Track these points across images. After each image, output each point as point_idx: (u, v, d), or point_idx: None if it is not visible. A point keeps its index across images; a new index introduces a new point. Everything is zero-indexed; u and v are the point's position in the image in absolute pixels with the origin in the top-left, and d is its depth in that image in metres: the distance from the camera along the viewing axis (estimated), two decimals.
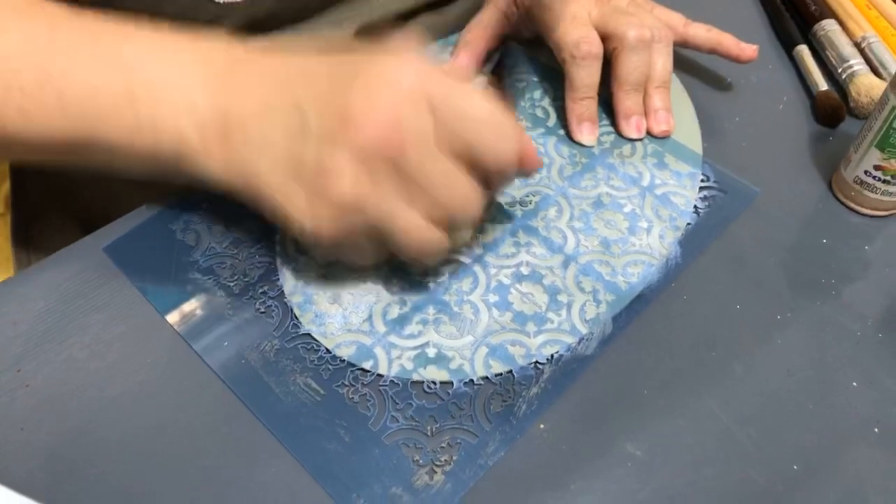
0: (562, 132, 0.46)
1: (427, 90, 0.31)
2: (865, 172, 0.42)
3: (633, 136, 0.46)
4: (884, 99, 0.40)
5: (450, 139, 0.31)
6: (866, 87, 0.48)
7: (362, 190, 0.30)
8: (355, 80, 0.31)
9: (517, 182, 0.43)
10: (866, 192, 0.42)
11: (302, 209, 0.32)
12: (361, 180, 0.30)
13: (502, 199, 0.42)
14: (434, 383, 0.35)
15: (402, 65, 0.32)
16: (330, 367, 0.35)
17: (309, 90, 0.32)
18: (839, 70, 0.50)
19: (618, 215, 0.42)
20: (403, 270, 0.38)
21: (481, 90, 0.32)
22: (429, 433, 0.33)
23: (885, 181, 0.41)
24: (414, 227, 0.31)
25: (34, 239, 0.59)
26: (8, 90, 0.32)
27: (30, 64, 0.33)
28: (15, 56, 0.33)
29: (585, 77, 0.44)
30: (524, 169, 0.35)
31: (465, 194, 0.32)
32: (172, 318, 0.37)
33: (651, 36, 0.45)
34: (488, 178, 0.33)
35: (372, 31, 0.53)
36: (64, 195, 0.58)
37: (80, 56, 0.33)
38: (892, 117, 0.39)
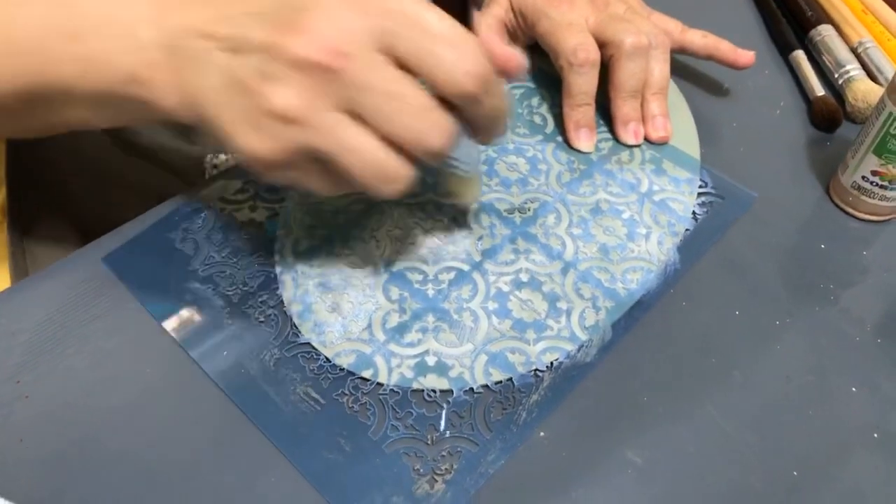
0: (560, 139, 0.46)
1: (380, 3, 0.29)
2: (863, 178, 0.42)
3: (631, 142, 0.46)
4: (881, 105, 0.40)
5: (404, 53, 0.29)
6: (863, 92, 0.48)
7: (301, 102, 0.28)
8: None
9: (515, 189, 0.43)
10: (864, 198, 0.42)
11: (241, 128, 0.30)
12: (302, 93, 0.28)
13: (501, 207, 0.42)
14: (434, 392, 0.35)
15: None
16: (330, 376, 0.35)
17: (252, 4, 0.30)
18: (836, 75, 0.50)
19: (616, 222, 0.42)
20: (403, 278, 0.38)
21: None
22: (429, 442, 0.33)
23: (882, 186, 0.41)
24: (361, 146, 0.29)
25: (31, 247, 0.59)
26: None
27: None
28: None
29: (583, 84, 0.45)
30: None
31: (419, 108, 0.29)
32: (171, 327, 0.36)
33: (648, 42, 0.45)
34: (452, 104, 0.30)
35: None
36: (61, 203, 0.58)
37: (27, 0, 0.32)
38: (888, 124, 0.39)
